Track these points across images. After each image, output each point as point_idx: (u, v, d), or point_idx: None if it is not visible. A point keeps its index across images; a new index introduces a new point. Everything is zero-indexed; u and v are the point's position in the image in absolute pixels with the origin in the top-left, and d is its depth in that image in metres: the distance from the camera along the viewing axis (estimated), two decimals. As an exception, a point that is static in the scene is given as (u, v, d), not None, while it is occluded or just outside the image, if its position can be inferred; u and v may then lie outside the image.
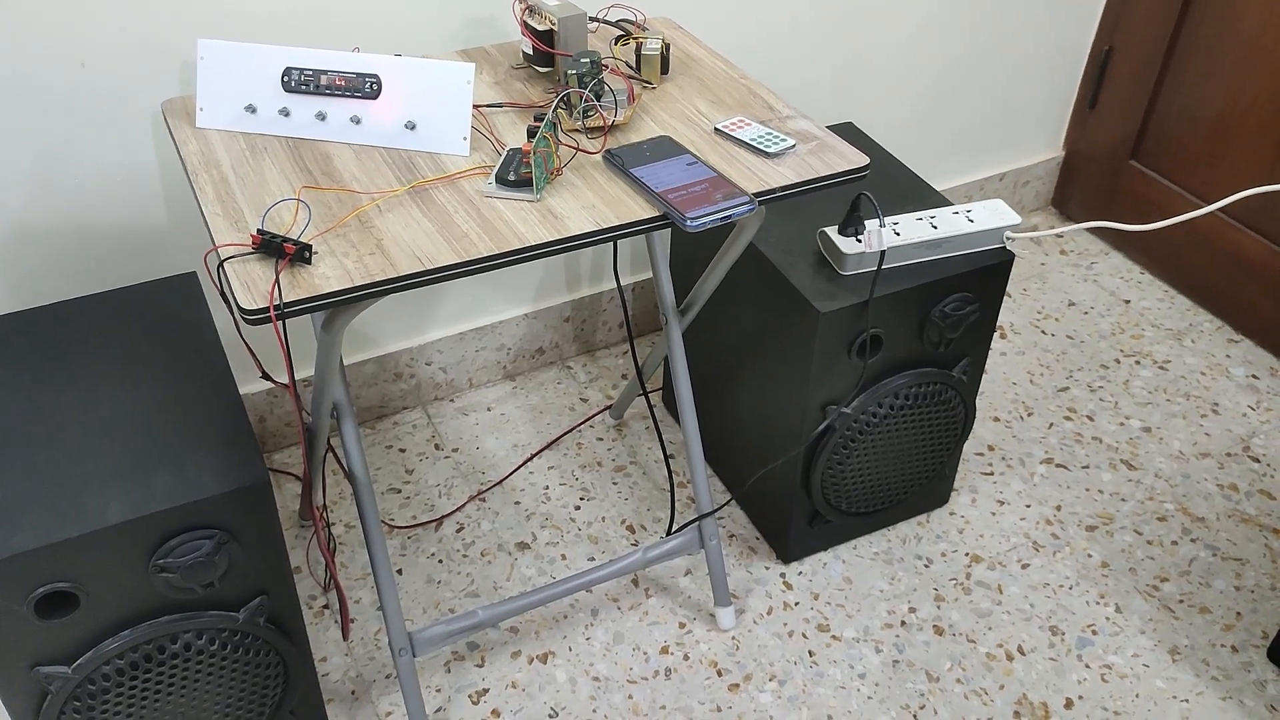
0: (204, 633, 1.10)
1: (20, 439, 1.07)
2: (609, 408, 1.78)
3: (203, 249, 1.46)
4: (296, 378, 1.63)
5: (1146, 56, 1.99)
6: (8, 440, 1.07)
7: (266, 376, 1.05)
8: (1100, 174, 2.15)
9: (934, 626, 1.46)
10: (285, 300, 0.88)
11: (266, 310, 0.88)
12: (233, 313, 0.95)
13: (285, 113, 1.10)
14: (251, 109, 1.10)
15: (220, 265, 0.93)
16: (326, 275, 0.91)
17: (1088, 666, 1.42)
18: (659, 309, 1.39)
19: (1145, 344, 1.93)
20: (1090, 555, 1.56)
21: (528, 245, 0.96)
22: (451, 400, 1.79)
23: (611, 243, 1.22)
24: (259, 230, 0.93)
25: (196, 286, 1.26)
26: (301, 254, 0.91)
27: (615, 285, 1.82)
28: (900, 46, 1.85)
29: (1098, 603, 1.49)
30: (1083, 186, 2.20)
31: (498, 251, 0.95)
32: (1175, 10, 1.91)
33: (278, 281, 0.89)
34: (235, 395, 1.13)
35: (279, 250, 0.91)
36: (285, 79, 1.09)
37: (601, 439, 1.73)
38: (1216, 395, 1.82)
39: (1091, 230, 2.20)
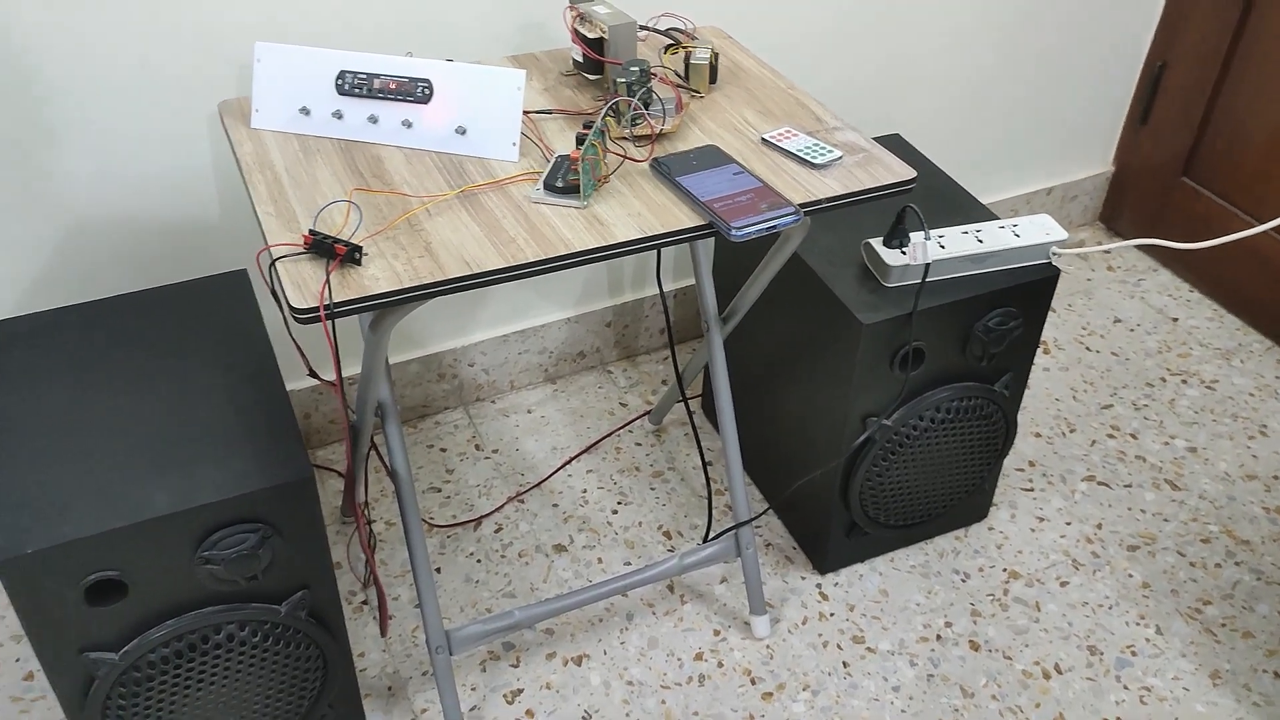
0: (246, 624, 1.12)
1: (74, 430, 1.10)
2: (648, 413, 1.79)
3: (253, 247, 1.48)
4: (342, 376, 1.66)
5: (1201, 72, 1.96)
6: (62, 430, 1.10)
7: (313, 374, 1.07)
8: (1151, 190, 2.13)
9: (970, 642, 1.45)
10: (335, 300, 0.90)
11: (317, 309, 0.89)
12: (283, 311, 0.97)
13: (338, 115, 1.12)
14: (305, 111, 1.12)
15: (272, 264, 0.94)
16: (376, 277, 0.93)
17: (1126, 688, 1.40)
18: (701, 316, 1.39)
19: (1192, 363, 1.91)
20: (1131, 575, 1.54)
21: (574, 251, 0.97)
22: (493, 401, 1.80)
23: (655, 250, 1.23)
24: (311, 231, 0.94)
25: (246, 283, 1.29)
26: (352, 255, 0.93)
27: (657, 291, 1.82)
28: (950, 59, 1.85)
29: (1138, 623, 1.48)
30: (1132, 202, 2.18)
31: (544, 257, 0.96)
32: (1231, 25, 1.89)
33: (328, 282, 0.91)
34: (282, 391, 1.15)
35: (330, 251, 0.93)
36: (339, 82, 1.11)
37: (640, 444, 1.73)
38: (1265, 416, 1.80)
39: (1140, 247, 2.18)
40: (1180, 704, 1.38)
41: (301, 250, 0.95)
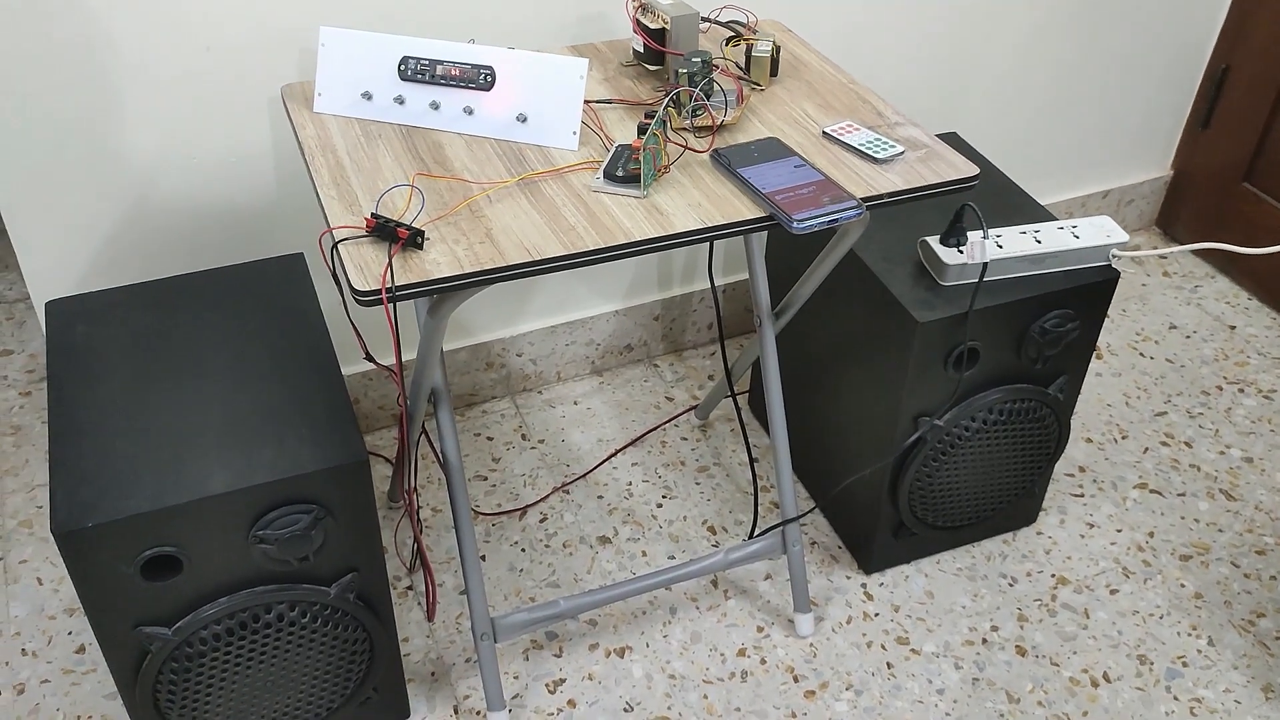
0: (297, 604, 1.13)
1: (133, 407, 1.11)
2: (694, 408, 1.78)
3: (311, 230, 1.49)
4: (401, 360, 1.67)
5: (1266, 76, 1.93)
6: (122, 408, 1.11)
7: (370, 358, 1.08)
8: (1210, 195, 2.09)
9: (1016, 646, 1.44)
10: (397, 284, 0.90)
11: (379, 292, 0.90)
12: (342, 294, 0.98)
13: (400, 101, 1.12)
14: (368, 96, 1.13)
15: (334, 247, 0.95)
16: (437, 261, 0.93)
17: (1176, 699, 1.38)
18: (753, 311, 1.39)
19: (1250, 372, 1.87)
20: (1183, 585, 1.52)
21: (634, 240, 0.97)
22: (540, 392, 1.80)
23: (708, 243, 1.23)
24: (373, 214, 0.95)
25: (303, 267, 1.30)
26: (414, 239, 0.93)
27: (709, 285, 1.82)
28: (1010, 58, 1.83)
29: (1189, 634, 1.45)
30: (1190, 207, 2.14)
31: (604, 245, 0.96)
32: (1299, 29, 1.85)
33: (390, 265, 0.91)
34: (338, 374, 1.15)
35: (392, 235, 0.93)
36: (402, 68, 1.11)
37: (685, 439, 1.73)
38: (1323, 428, 1.76)
39: (1197, 252, 2.15)
40: (1231, 717, 1.36)
41: (364, 233, 0.95)
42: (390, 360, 1.68)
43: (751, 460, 1.50)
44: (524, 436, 1.72)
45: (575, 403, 1.79)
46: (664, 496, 1.63)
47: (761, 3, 1.57)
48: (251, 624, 1.12)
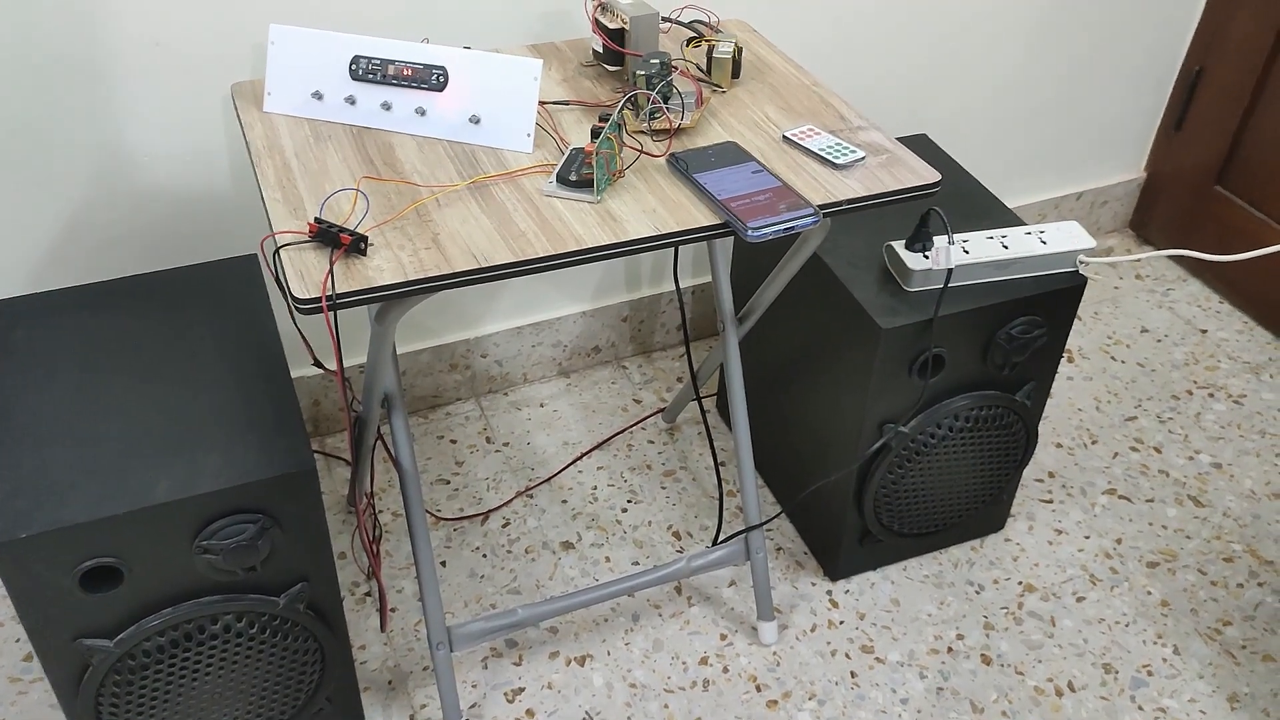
0: (244, 615, 1.11)
1: (74, 413, 1.08)
2: (662, 411, 1.76)
3: (264, 232, 1.46)
4: (353, 364, 1.64)
5: (1239, 79, 1.92)
6: (64, 413, 1.08)
7: (318, 364, 1.05)
8: (1183, 198, 2.08)
9: (982, 655, 1.42)
10: (338, 291, 0.88)
11: (319, 300, 0.87)
12: (287, 300, 0.95)
13: (351, 101, 1.09)
14: (318, 95, 1.10)
15: (276, 252, 0.92)
16: (380, 268, 0.91)
17: (1140, 708, 1.37)
18: (717, 315, 1.37)
19: (1220, 376, 1.86)
20: (1150, 593, 1.51)
21: (585, 247, 0.94)
22: (505, 394, 1.78)
23: (673, 246, 1.20)
24: (316, 219, 0.92)
25: (256, 269, 1.27)
26: (357, 245, 0.91)
27: (675, 288, 1.80)
28: (981, 59, 1.81)
29: (1155, 642, 1.44)
30: (1163, 210, 2.13)
31: (554, 252, 0.94)
32: (1273, 32, 1.84)
33: (331, 272, 0.89)
34: (288, 381, 1.13)
35: (334, 240, 0.91)
36: (353, 67, 1.09)
37: (653, 442, 1.71)
38: (1293, 434, 1.76)
39: (1170, 255, 2.13)
40: (1196, 727, 1.35)
41: (306, 238, 0.93)
42: (345, 365, 1.65)
43: (717, 465, 1.48)
44: (488, 439, 1.70)
45: (541, 405, 1.77)
46: (629, 501, 1.61)
47: (725, 3, 1.55)
48: (197, 635, 1.09)
